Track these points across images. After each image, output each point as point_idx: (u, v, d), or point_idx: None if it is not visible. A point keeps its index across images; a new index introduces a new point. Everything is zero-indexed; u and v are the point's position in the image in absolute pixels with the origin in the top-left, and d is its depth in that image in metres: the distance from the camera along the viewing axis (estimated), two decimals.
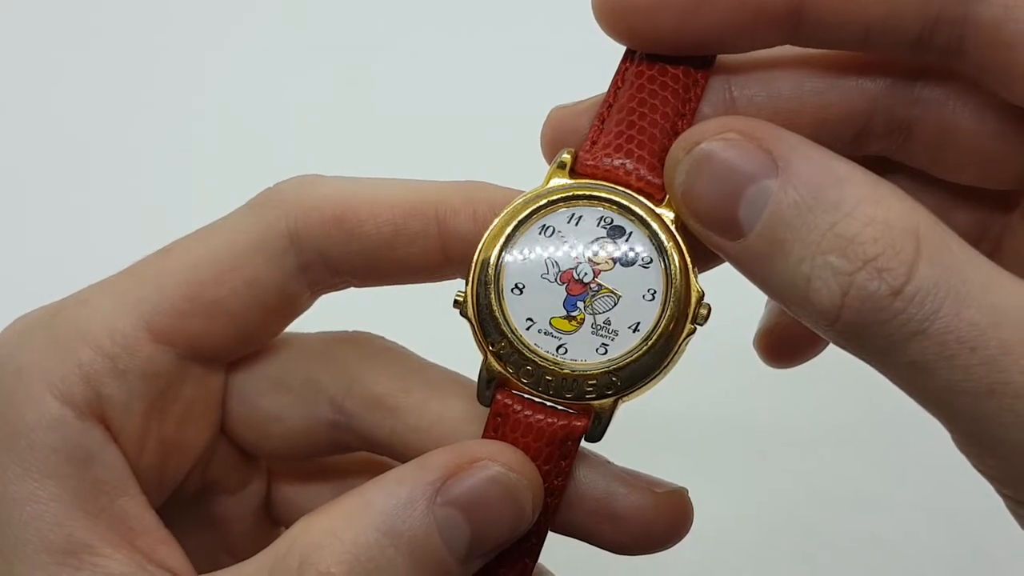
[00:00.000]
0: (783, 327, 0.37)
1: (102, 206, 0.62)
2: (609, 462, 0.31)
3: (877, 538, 0.52)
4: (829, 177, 0.25)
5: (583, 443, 0.29)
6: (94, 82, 0.66)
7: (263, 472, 0.36)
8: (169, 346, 0.30)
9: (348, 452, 0.34)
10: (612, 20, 0.28)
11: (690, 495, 0.31)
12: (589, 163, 0.29)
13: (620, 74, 0.30)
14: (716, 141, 0.26)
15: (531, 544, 0.30)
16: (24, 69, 0.67)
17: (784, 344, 0.37)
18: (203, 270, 0.30)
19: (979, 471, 0.26)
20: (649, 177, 0.28)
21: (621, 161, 0.29)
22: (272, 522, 0.37)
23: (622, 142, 0.29)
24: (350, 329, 0.34)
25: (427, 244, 0.30)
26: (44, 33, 0.68)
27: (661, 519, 0.30)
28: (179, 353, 0.30)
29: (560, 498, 0.29)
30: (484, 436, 0.29)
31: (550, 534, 0.30)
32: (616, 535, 0.30)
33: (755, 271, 0.26)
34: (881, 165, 0.31)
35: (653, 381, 0.28)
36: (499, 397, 0.29)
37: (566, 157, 0.29)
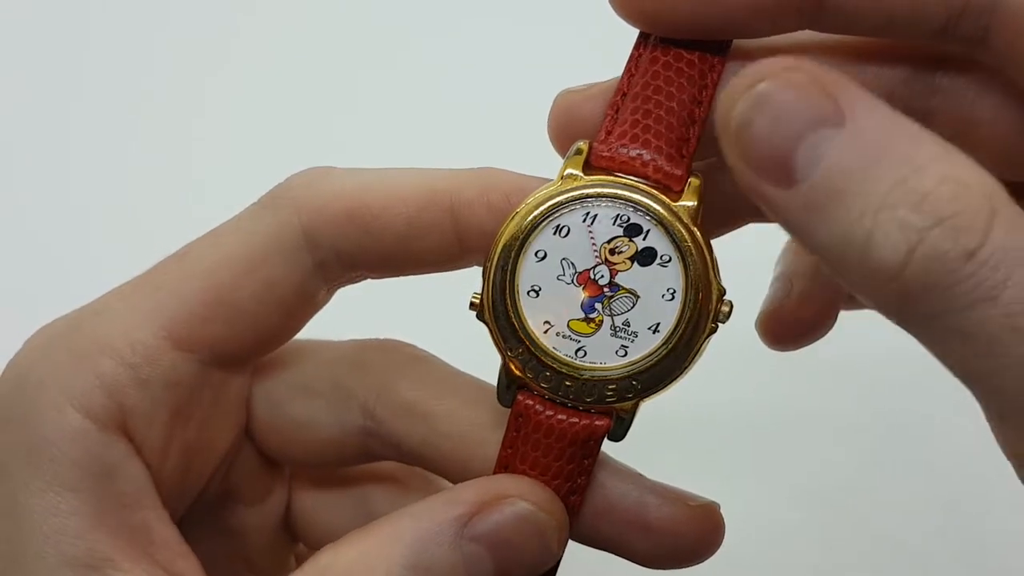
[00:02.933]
0: (787, 309, 0.36)
1: (109, 203, 0.61)
2: (641, 475, 0.31)
3: (889, 538, 0.52)
4: (899, 131, 0.23)
5: (610, 452, 0.29)
6: (98, 76, 0.65)
7: (284, 484, 0.35)
8: (190, 353, 0.29)
9: (376, 460, 0.34)
10: (627, 3, 0.28)
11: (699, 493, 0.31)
12: (604, 154, 0.28)
13: (633, 61, 0.29)
14: (779, 79, 0.24)
15: None
16: (27, 63, 0.66)
17: (787, 326, 0.37)
18: (220, 274, 0.29)
19: (1015, 452, 0.25)
20: (667, 167, 0.28)
21: (638, 151, 0.28)
22: (291, 537, 0.36)
23: (638, 131, 0.28)
24: (366, 332, 0.34)
25: (442, 235, 0.29)
26: (50, 30, 0.67)
27: (694, 532, 0.30)
28: (201, 359, 0.30)
29: (582, 497, 0.29)
30: (505, 437, 0.29)
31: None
32: (648, 547, 0.30)
33: (805, 223, 0.24)
34: None
35: (674, 382, 0.28)
36: (520, 398, 0.28)
37: (581, 147, 0.28)
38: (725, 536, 0.31)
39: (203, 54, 0.66)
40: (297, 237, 0.30)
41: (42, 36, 0.66)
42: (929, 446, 0.51)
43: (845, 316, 0.37)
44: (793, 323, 0.36)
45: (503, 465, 0.29)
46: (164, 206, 0.60)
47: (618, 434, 0.28)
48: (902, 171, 0.23)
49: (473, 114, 0.61)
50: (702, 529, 0.30)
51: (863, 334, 0.28)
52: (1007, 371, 0.23)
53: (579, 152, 0.28)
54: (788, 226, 0.25)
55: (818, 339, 0.37)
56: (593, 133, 0.29)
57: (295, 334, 0.32)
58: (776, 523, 0.52)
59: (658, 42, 0.29)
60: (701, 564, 0.31)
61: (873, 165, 0.23)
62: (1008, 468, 0.25)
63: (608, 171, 0.28)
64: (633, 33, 0.29)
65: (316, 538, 0.35)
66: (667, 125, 0.28)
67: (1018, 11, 0.26)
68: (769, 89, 0.24)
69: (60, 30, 0.67)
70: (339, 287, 0.32)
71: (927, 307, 0.23)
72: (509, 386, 0.28)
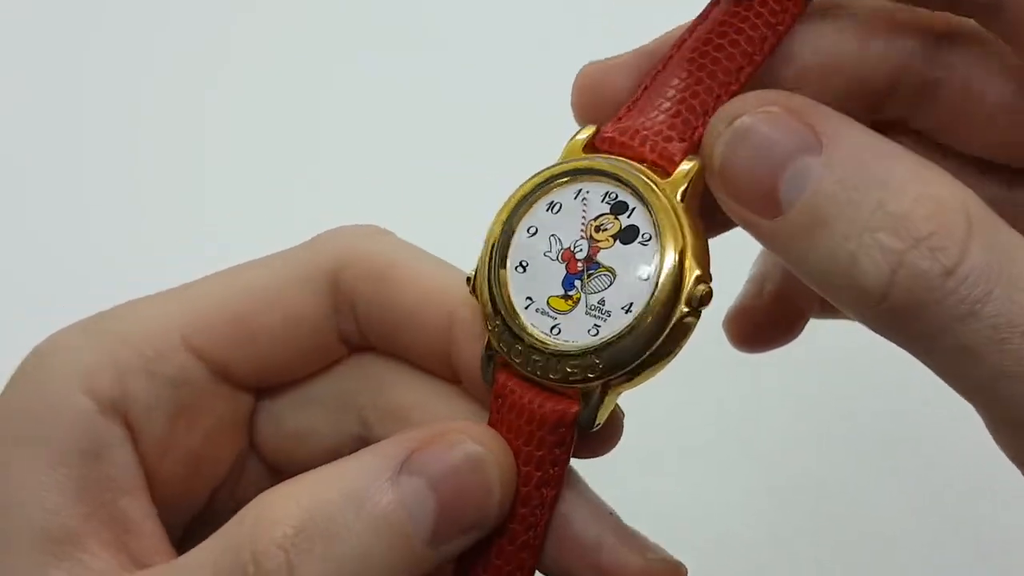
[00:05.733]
0: (755, 310, 0.36)
1: (109, 213, 0.60)
2: (612, 512, 0.29)
3: (877, 538, 0.52)
4: (875, 154, 0.24)
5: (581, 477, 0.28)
6: (96, 90, 0.65)
7: None
8: (201, 361, 0.30)
9: None
10: None
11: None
12: (608, 135, 0.28)
13: (676, 46, 0.28)
14: (757, 114, 0.25)
15: (529, 538, 0.28)
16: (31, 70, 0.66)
17: (754, 327, 0.36)
18: (248, 295, 0.30)
19: (1016, 459, 0.25)
20: (664, 146, 0.27)
21: (641, 128, 0.27)
22: None
23: (649, 111, 0.27)
24: None
25: (442, 347, 0.30)
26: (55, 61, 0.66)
27: None
28: (211, 369, 0.30)
29: (558, 489, 0.28)
30: (490, 419, 0.28)
31: None
32: None
33: (792, 250, 0.24)
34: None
35: (644, 368, 0.26)
36: (500, 379, 0.27)
37: (587, 129, 0.28)
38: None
39: (204, 57, 0.65)
40: (326, 279, 0.30)
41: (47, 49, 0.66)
42: (919, 447, 0.52)
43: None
44: (760, 324, 0.36)
45: None
46: (167, 214, 0.59)
47: (585, 421, 0.27)
48: (880, 193, 0.23)
49: (476, 115, 0.61)
50: None
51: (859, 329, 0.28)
52: (998, 382, 0.23)
53: (584, 132, 0.28)
54: (779, 253, 0.25)
55: (784, 343, 0.36)
56: (616, 108, 0.28)
57: (301, 376, 0.32)
58: (766, 523, 0.52)
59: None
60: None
61: (852, 189, 0.23)
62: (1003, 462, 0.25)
63: (607, 152, 0.28)
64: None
65: None
66: (675, 112, 0.27)
67: None
68: (748, 123, 0.25)
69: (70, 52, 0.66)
70: (352, 348, 0.32)
71: (916, 326, 0.23)
72: (490, 361, 0.28)
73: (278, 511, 0.25)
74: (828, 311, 0.35)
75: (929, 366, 0.24)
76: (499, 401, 0.27)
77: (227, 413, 0.31)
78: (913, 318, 0.23)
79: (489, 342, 0.27)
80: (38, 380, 0.29)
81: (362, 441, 0.31)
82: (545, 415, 0.27)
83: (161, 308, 0.30)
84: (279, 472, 0.33)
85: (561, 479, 0.27)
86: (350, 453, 0.30)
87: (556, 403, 0.27)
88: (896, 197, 0.23)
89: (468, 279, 0.28)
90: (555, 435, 0.27)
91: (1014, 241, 0.23)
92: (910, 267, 0.23)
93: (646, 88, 0.28)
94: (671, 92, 0.27)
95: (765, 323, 0.36)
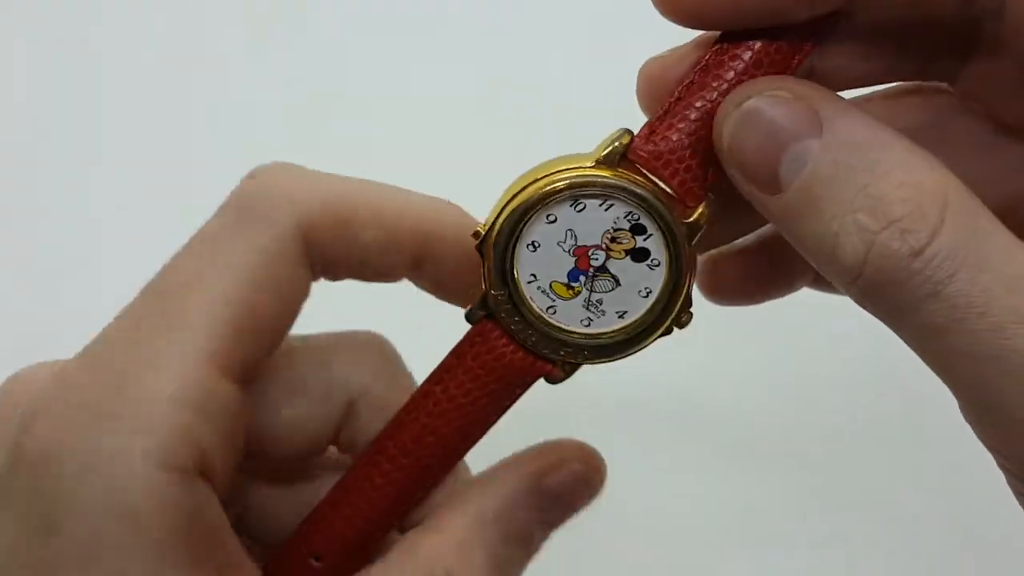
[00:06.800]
0: (724, 259, 0.37)
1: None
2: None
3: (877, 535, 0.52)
4: (871, 140, 0.26)
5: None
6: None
7: (240, 486, 0.35)
8: (233, 380, 0.30)
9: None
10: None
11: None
12: (641, 153, 0.30)
13: (698, 68, 0.29)
14: (765, 97, 0.27)
15: (467, 444, 0.33)
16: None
17: (721, 279, 0.37)
18: (243, 297, 0.30)
19: (981, 440, 0.27)
20: (690, 183, 0.29)
21: (671, 162, 0.29)
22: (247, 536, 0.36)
23: (675, 135, 0.29)
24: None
25: (401, 255, 0.33)
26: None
27: None
28: (237, 382, 0.30)
29: (498, 416, 0.33)
30: (458, 347, 0.32)
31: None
32: None
33: (790, 226, 0.27)
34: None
35: (616, 360, 0.31)
36: (483, 323, 0.31)
37: (624, 139, 0.30)
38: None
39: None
40: (300, 248, 0.31)
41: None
42: (920, 440, 0.52)
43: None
44: (728, 277, 0.37)
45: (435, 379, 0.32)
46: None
47: (555, 381, 0.32)
48: (866, 177, 0.25)
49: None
50: None
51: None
52: (955, 360, 0.25)
53: (619, 141, 0.29)
54: (780, 228, 0.27)
55: (759, 302, 0.37)
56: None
57: (281, 339, 0.32)
58: (764, 522, 0.52)
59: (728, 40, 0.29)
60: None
61: (844, 172, 0.25)
62: None
63: (637, 167, 0.30)
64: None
65: (268, 533, 0.36)
66: (706, 145, 0.29)
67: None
68: (755, 105, 0.27)
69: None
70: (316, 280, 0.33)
71: (888, 303, 0.25)
72: (481, 308, 0.31)
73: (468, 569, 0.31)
74: (823, 286, 0.37)
75: (905, 341, 0.26)
76: (476, 339, 0.31)
77: (245, 415, 0.31)
78: (885, 295, 0.25)
79: (485, 299, 0.31)
80: (110, 475, 0.27)
81: (341, 427, 0.34)
82: (523, 366, 0.31)
83: (181, 345, 0.29)
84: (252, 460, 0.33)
85: (504, 412, 0.32)
86: (327, 438, 0.34)
87: (533, 362, 0.31)
88: (880, 181, 0.25)
89: (476, 232, 0.30)
90: (522, 382, 0.32)
91: (990, 229, 0.25)
92: (881, 247, 0.25)
93: (679, 99, 0.29)
94: (697, 107, 0.29)
95: (733, 276, 0.37)
